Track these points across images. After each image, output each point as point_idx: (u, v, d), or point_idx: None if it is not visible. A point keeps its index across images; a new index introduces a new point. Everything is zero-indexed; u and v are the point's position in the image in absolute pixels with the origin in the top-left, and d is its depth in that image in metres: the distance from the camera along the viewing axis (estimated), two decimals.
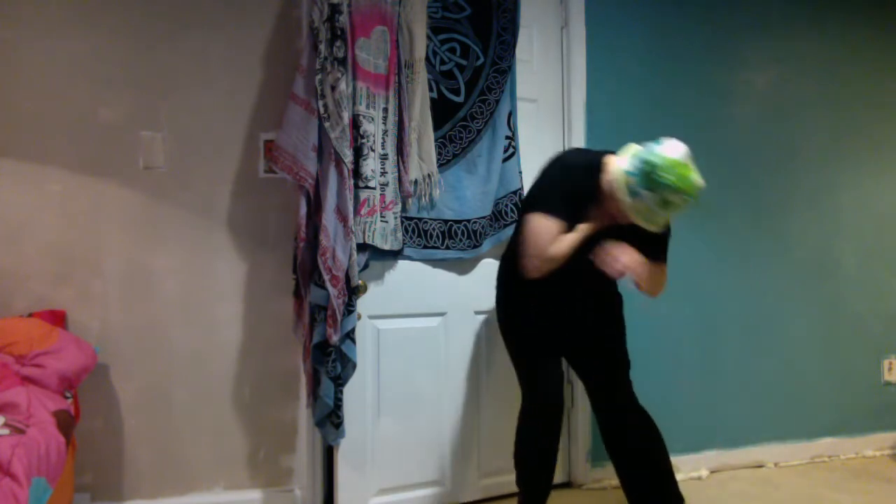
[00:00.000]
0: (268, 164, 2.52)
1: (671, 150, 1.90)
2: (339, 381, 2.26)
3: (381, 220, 2.35)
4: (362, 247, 2.30)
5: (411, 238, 2.49)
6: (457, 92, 2.59)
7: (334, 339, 2.19)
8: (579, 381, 2.74)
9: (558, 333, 2.23)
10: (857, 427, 3.32)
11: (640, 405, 2.23)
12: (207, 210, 2.52)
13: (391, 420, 2.49)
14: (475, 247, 2.58)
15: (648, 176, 1.88)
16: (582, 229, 2.06)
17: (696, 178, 1.90)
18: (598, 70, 2.93)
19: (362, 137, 2.30)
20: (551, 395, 2.20)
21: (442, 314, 2.60)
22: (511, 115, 2.66)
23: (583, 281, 2.14)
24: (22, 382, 1.94)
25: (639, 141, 2.04)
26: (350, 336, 2.27)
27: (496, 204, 2.63)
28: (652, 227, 1.99)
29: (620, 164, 1.97)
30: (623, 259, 1.98)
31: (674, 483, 2.22)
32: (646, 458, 2.21)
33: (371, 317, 2.45)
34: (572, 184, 2.07)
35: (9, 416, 1.75)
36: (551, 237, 2.03)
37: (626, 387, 2.24)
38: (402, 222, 2.44)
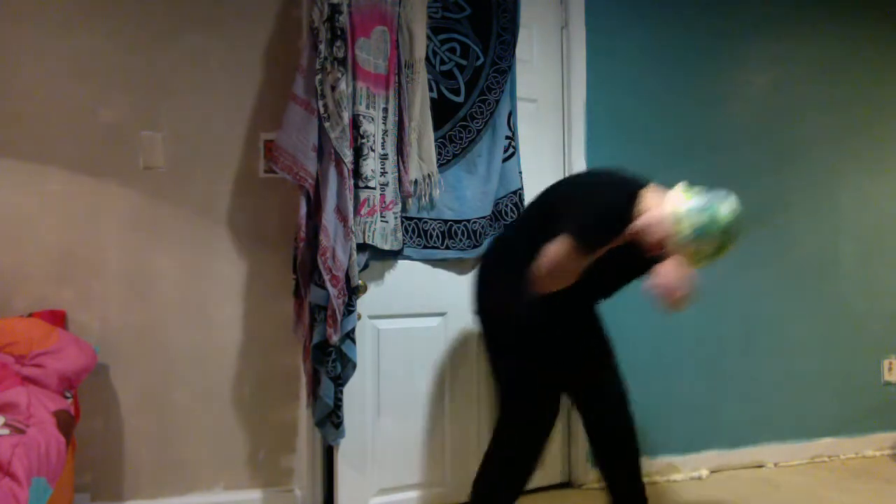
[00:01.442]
0: (268, 164, 2.52)
1: (732, 205, 1.85)
2: (339, 381, 2.26)
3: (381, 220, 2.35)
4: (362, 247, 2.30)
5: (411, 238, 2.48)
6: (457, 92, 2.59)
7: (334, 339, 2.19)
8: None
9: (575, 358, 2.16)
10: (857, 427, 3.32)
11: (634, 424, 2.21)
12: (207, 210, 2.52)
13: (391, 420, 2.49)
14: (475, 247, 2.58)
15: (718, 222, 1.81)
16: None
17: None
18: (598, 70, 2.92)
19: (362, 137, 2.30)
20: (549, 424, 2.12)
21: (442, 314, 2.59)
22: (511, 115, 2.66)
23: (590, 300, 2.07)
24: (22, 382, 1.94)
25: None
26: (350, 336, 2.27)
27: (496, 204, 2.63)
28: (691, 267, 1.89)
29: (680, 202, 1.84)
30: (666, 282, 1.85)
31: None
32: (628, 468, 2.22)
33: (371, 317, 2.45)
34: (620, 222, 1.91)
35: (9, 416, 1.75)
36: (574, 271, 1.91)
37: (630, 415, 2.20)
38: (402, 222, 2.43)
